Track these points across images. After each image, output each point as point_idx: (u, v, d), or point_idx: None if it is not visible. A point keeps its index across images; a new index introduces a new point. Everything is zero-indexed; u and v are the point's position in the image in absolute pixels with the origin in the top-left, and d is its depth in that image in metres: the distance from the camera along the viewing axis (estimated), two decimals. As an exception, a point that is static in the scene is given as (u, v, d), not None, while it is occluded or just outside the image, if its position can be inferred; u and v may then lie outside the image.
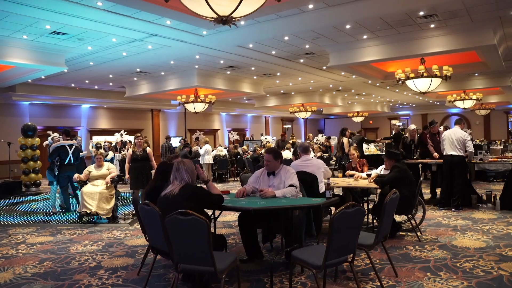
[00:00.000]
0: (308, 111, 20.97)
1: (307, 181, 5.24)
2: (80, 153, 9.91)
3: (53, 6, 7.44)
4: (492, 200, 7.72)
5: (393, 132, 14.44)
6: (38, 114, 17.12)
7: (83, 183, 7.92)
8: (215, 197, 4.00)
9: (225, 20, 4.48)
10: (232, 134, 20.05)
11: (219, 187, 12.78)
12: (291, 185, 4.64)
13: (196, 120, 23.12)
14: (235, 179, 14.72)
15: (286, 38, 10.21)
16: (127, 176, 7.88)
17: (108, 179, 7.78)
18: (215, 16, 4.38)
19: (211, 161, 13.25)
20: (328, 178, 4.95)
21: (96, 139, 18.64)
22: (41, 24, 8.57)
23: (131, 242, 6.04)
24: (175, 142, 21.24)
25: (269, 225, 4.81)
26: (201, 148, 13.49)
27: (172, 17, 7.85)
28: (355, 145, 9.50)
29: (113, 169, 8.10)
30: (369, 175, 6.06)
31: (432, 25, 9.22)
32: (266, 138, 17.77)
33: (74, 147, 8.84)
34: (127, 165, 8.07)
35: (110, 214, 7.61)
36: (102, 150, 10.92)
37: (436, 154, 9.06)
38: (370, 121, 31.69)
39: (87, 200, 7.46)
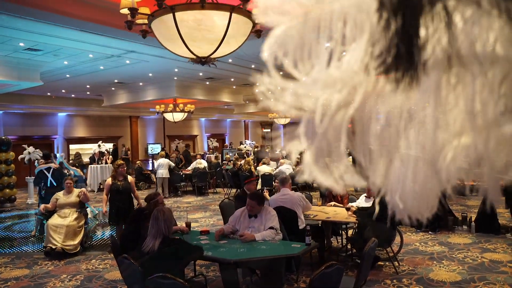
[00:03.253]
0: (288, 117, 21.05)
1: (287, 217, 5.27)
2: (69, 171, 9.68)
3: (27, 26, 7.28)
4: (468, 221, 7.89)
5: None
6: (12, 123, 16.72)
7: (49, 213, 7.22)
8: (195, 250, 3.96)
9: (204, 61, 4.48)
10: (211, 141, 19.97)
11: (199, 200, 12.70)
12: (271, 227, 4.65)
13: (175, 126, 22.93)
14: (214, 190, 14.66)
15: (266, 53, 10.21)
16: (104, 209, 6.94)
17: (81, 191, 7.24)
18: (194, 57, 4.37)
19: (168, 175, 12.91)
20: (307, 225, 4.98)
21: (74, 147, 18.34)
22: (14, 41, 8.38)
23: (110, 275, 5.94)
24: (154, 150, 21.05)
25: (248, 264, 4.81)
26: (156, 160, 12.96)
27: (151, 43, 7.77)
28: None
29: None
30: (348, 209, 6.11)
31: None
32: (245, 147, 17.75)
33: (52, 169, 8.57)
34: (104, 196, 6.98)
35: (78, 249, 6.95)
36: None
37: None
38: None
39: (52, 235, 6.77)
